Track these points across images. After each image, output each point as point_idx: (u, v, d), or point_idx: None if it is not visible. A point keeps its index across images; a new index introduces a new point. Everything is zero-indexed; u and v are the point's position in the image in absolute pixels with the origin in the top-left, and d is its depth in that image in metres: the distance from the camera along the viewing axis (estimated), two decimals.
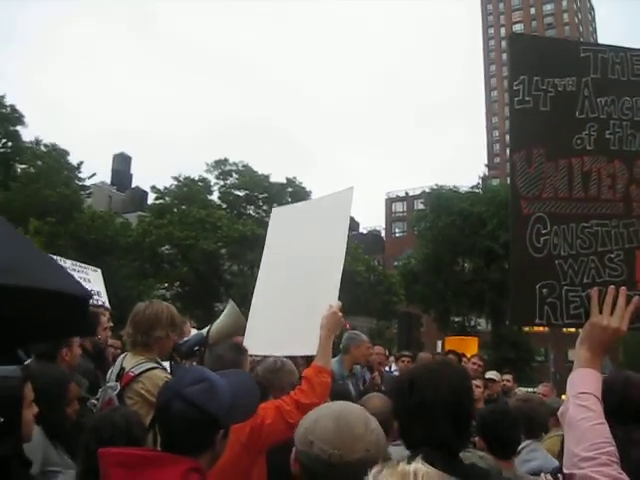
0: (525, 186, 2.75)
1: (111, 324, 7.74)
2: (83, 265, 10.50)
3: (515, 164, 2.77)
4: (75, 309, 3.45)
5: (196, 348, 5.66)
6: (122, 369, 4.64)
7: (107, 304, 9.97)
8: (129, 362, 4.62)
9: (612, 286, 2.53)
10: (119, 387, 4.49)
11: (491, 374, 10.58)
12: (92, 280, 10.20)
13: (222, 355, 4.30)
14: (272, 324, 4.69)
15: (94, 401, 5.03)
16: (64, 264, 9.78)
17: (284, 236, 5.13)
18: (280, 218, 5.41)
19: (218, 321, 5.76)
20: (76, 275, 9.69)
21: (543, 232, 2.70)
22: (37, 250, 3.84)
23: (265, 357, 5.05)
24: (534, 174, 2.75)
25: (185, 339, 6.00)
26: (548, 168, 2.76)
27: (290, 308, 4.58)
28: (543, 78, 2.86)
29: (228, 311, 5.72)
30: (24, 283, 3.07)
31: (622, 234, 2.77)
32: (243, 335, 5.08)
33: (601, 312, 2.48)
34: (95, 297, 9.70)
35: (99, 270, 10.80)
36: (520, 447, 5.19)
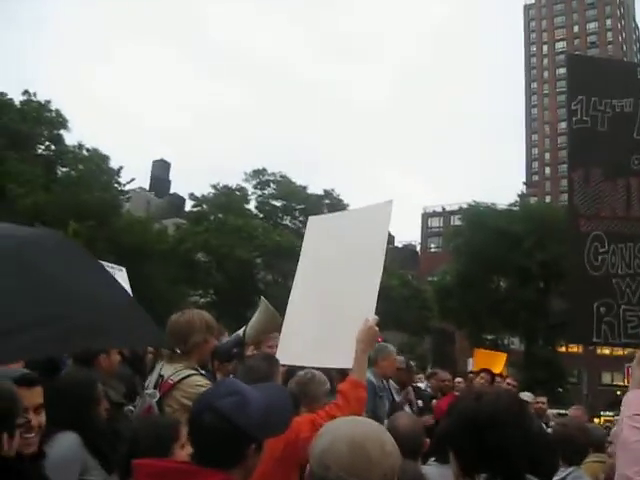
0: (583, 204, 2.77)
1: None
2: (109, 265, 10.51)
3: (573, 182, 2.80)
4: None
5: (234, 350, 5.67)
6: (160, 377, 4.63)
7: None
8: (167, 370, 4.60)
9: None
10: (158, 395, 4.50)
11: (525, 395, 10.44)
12: (118, 280, 10.20)
13: (254, 366, 4.29)
14: (306, 335, 4.61)
15: (131, 407, 5.06)
16: None
17: (320, 246, 5.04)
18: (317, 227, 5.34)
19: (253, 320, 5.75)
20: None
21: (601, 250, 2.73)
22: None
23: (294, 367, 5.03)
24: (592, 193, 2.77)
25: (222, 341, 6.02)
26: (606, 187, 2.79)
27: (325, 320, 4.50)
28: (601, 99, 2.87)
29: (262, 309, 5.71)
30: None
31: None
32: (279, 332, 5.06)
33: None
34: None
35: (124, 269, 10.84)
36: (564, 474, 5.10)
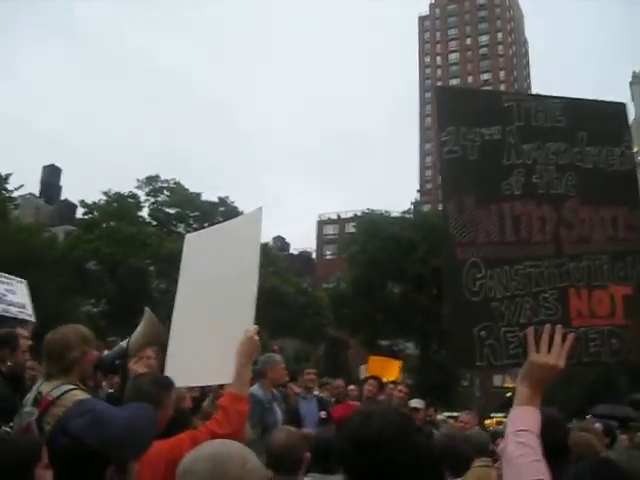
0: (459, 233, 2.81)
1: (30, 342, 7.38)
2: (8, 276, 10.20)
3: (448, 212, 2.84)
4: None
5: (117, 361, 5.53)
6: (39, 394, 4.46)
7: (33, 318, 9.70)
8: (46, 387, 4.43)
9: (548, 325, 2.59)
10: (37, 412, 4.31)
11: (415, 402, 10.51)
12: (17, 292, 9.97)
13: (142, 387, 4.15)
14: (190, 354, 4.53)
15: (7, 429, 4.84)
16: None
17: (197, 262, 5.02)
18: (193, 244, 5.28)
19: (137, 331, 5.65)
20: (0, 287, 9.47)
21: (478, 276, 2.77)
22: None
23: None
24: (467, 220, 2.83)
25: (105, 353, 5.85)
26: (480, 214, 2.85)
27: (207, 336, 4.42)
28: (470, 128, 2.97)
29: (145, 320, 5.62)
30: None
31: (554, 274, 2.87)
32: (163, 343, 4.96)
33: (538, 350, 2.52)
34: (20, 309, 9.51)
35: (24, 281, 10.48)
36: None
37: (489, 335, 2.68)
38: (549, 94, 3.21)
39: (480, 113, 3.03)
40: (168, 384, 4.23)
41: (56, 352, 4.50)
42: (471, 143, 2.94)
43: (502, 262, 2.81)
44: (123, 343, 5.73)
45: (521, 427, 2.37)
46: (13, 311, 9.35)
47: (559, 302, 2.82)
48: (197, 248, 5.17)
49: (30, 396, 4.55)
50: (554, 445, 3.87)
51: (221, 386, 4.85)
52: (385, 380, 11.81)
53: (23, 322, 8.86)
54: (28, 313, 9.70)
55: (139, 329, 5.66)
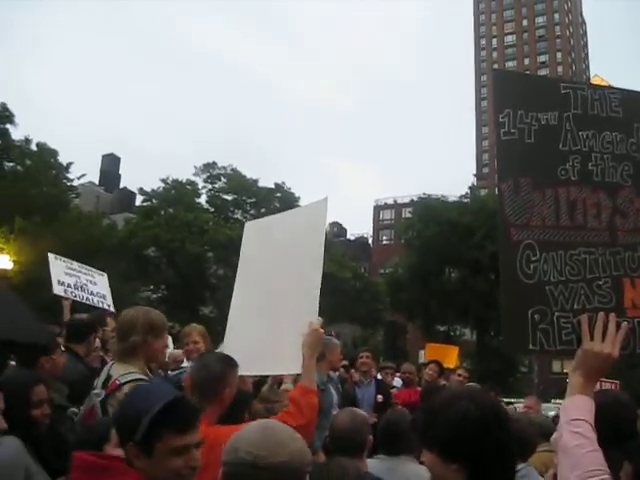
0: (514, 214, 2.82)
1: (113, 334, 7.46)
2: (90, 268, 10.62)
3: (503, 193, 2.85)
4: None
5: None
6: (109, 377, 4.52)
7: (112, 308, 10.01)
8: (116, 370, 4.49)
9: (602, 312, 2.54)
10: (103, 394, 4.38)
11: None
12: (98, 283, 10.40)
13: (208, 365, 4.18)
14: (251, 343, 4.54)
15: (75, 409, 4.92)
16: (71, 265, 10.07)
17: (259, 251, 5.00)
18: (253, 232, 5.29)
19: None
20: (82, 277, 9.99)
21: (533, 259, 2.76)
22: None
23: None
24: (522, 203, 2.83)
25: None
26: (535, 197, 2.85)
27: (269, 326, 4.46)
28: (527, 112, 2.98)
29: None
30: None
31: (609, 262, 2.86)
32: None
33: (592, 338, 2.46)
34: (100, 299, 10.01)
35: (105, 275, 10.92)
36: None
37: (543, 319, 2.67)
38: (607, 85, 3.20)
39: (538, 98, 3.03)
40: (234, 363, 4.25)
41: (122, 331, 4.56)
42: (528, 127, 2.95)
43: (557, 246, 2.80)
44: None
45: (576, 416, 2.31)
46: (94, 300, 9.72)
47: (613, 291, 2.80)
48: (259, 236, 5.16)
49: (101, 378, 4.63)
50: (622, 427, 3.84)
51: None
52: (445, 366, 11.76)
53: (106, 311, 9.41)
54: (107, 303, 10.19)
55: None
